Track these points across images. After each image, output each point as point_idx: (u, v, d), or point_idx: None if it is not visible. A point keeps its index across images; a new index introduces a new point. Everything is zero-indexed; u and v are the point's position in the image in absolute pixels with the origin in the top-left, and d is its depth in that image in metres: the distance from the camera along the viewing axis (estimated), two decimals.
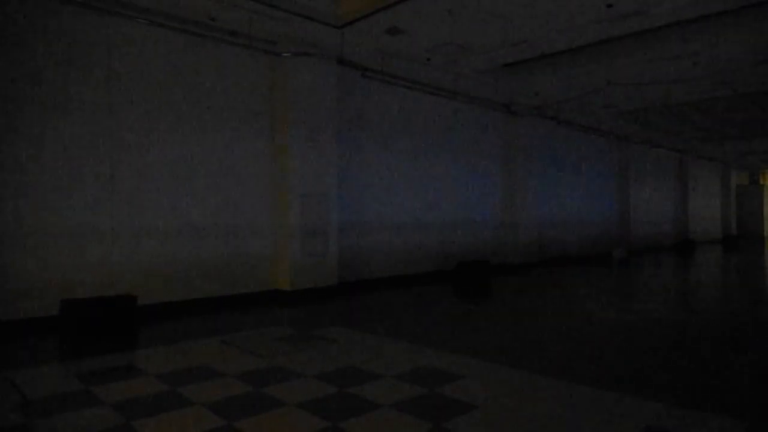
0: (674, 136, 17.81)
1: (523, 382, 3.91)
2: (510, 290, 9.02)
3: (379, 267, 9.02)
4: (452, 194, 10.45)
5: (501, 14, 6.91)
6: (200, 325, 5.95)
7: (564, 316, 6.57)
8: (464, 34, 7.66)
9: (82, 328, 5.34)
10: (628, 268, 12.58)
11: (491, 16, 6.95)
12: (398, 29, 7.39)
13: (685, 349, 5.04)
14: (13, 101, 5.41)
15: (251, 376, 3.96)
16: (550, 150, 12.90)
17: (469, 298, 8.35)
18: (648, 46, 8.27)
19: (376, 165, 8.99)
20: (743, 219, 26.24)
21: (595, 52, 8.83)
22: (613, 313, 6.62)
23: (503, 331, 5.85)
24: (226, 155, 7.05)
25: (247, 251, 7.24)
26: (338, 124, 8.10)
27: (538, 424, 3.12)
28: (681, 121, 14.98)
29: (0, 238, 5.33)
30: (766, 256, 17.30)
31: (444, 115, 10.25)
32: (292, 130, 7.42)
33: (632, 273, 11.71)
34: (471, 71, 9.51)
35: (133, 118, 6.24)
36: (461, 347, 4.92)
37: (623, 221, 16.05)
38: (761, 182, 28.08)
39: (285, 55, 7.40)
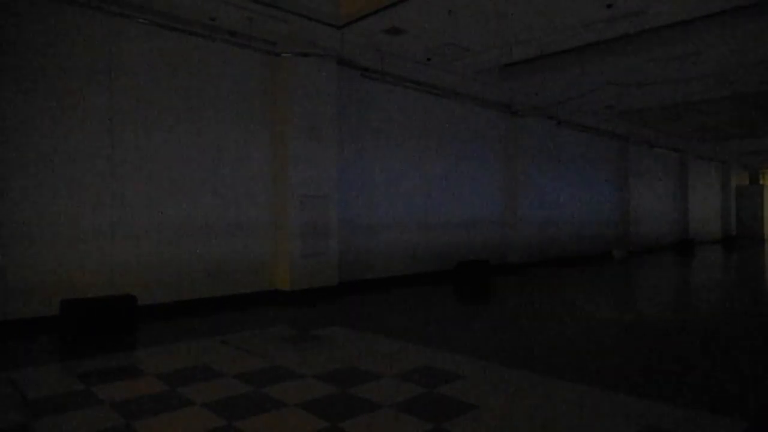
0: (674, 136, 17.82)
1: (523, 382, 3.91)
2: (510, 290, 9.02)
3: (379, 267, 9.02)
4: (452, 194, 10.44)
5: (501, 14, 6.91)
6: (200, 325, 5.95)
7: (564, 316, 6.57)
8: (464, 34, 7.67)
9: (82, 328, 5.34)
10: (628, 267, 12.58)
11: (491, 16, 6.96)
12: (398, 29, 7.39)
13: (685, 349, 5.03)
14: (12, 101, 5.41)
15: (251, 376, 3.96)
16: (550, 150, 12.89)
17: (469, 298, 8.35)
18: (648, 46, 8.27)
19: (376, 165, 8.99)
20: (743, 219, 26.23)
21: (595, 52, 8.83)
22: (613, 313, 6.62)
23: (503, 331, 5.85)
24: (226, 155, 7.05)
25: (247, 251, 7.24)
26: (338, 124, 8.10)
27: (538, 424, 3.12)
28: (681, 121, 14.98)
29: (0, 238, 5.33)
30: (766, 256, 17.29)
31: (444, 115, 10.25)
32: (292, 130, 7.42)
33: (632, 273, 11.71)
34: (471, 71, 9.52)
35: (133, 118, 6.24)
36: (461, 347, 4.92)
37: (623, 221, 16.04)
38: (761, 182, 28.08)
39: (285, 55, 7.40)
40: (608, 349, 5.04)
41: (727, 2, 6.60)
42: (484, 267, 10.33)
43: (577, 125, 13.83)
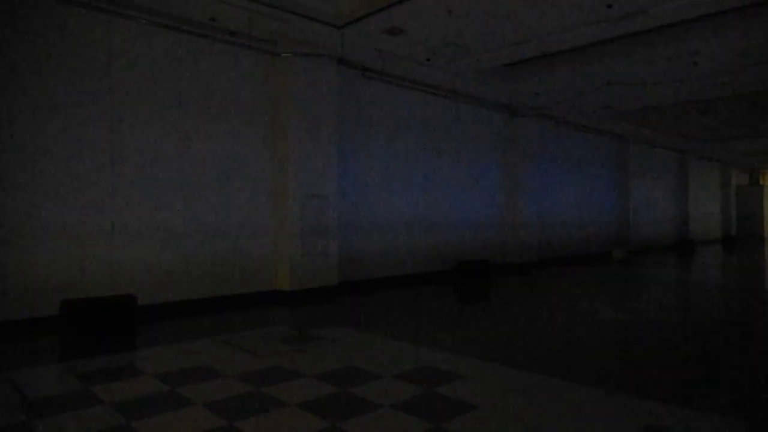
0: (674, 136, 17.82)
1: (523, 382, 3.91)
2: (510, 290, 9.02)
3: (379, 267, 9.02)
4: (452, 194, 10.44)
5: (501, 14, 6.91)
6: (200, 325, 5.95)
7: (564, 316, 6.57)
8: (464, 34, 7.67)
9: (82, 328, 5.34)
10: (628, 268, 12.58)
11: (491, 16, 6.96)
12: (398, 29, 7.39)
13: (685, 349, 5.03)
14: (12, 101, 5.41)
15: (251, 376, 3.96)
16: (550, 150, 12.90)
17: (469, 298, 8.36)
18: (648, 46, 8.27)
19: (376, 165, 8.99)
20: (743, 219, 26.23)
21: (595, 52, 8.84)
22: (613, 313, 6.62)
23: (503, 331, 5.85)
24: (225, 155, 7.05)
25: (247, 251, 7.24)
26: (338, 124, 8.10)
27: (538, 424, 3.12)
28: (681, 121, 14.99)
29: (0, 238, 5.33)
30: (766, 256, 17.30)
31: (444, 115, 10.25)
32: (292, 130, 7.42)
33: (632, 273, 11.71)
34: (471, 71, 9.51)
35: (133, 118, 6.24)
36: (461, 347, 4.92)
37: (623, 221, 16.04)
38: (761, 182, 28.08)
39: (285, 55, 7.40)
40: (608, 349, 5.04)
41: (727, 2, 6.59)
42: (484, 267, 10.33)
43: (577, 125, 13.84)
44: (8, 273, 5.37)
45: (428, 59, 8.76)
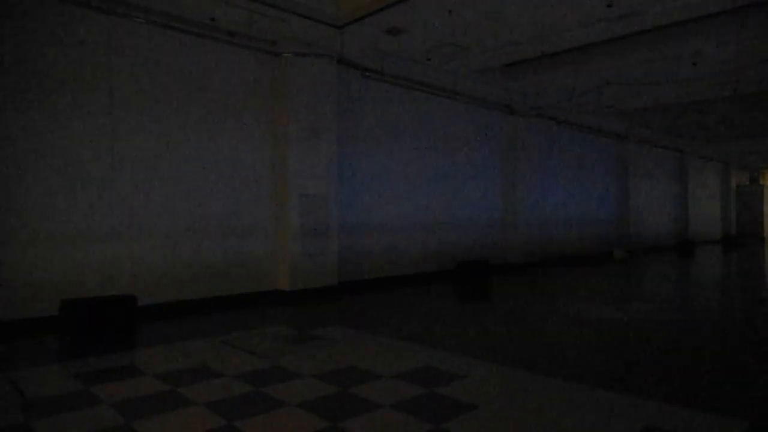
0: (674, 136, 17.82)
1: (523, 382, 3.91)
2: (510, 290, 9.02)
3: (379, 267, 9.02)
4: (452, 194, 10.44)
5: (501, 14, 6.91)
6: (200, 325, 5.95)
7: (564, 315, 6.57)
8: (464, 34, 7.67)
9: (82, 328, 5.34)
10: (628, 268, 12.58)
11: (491, 16, 6.96)
12: (398, 29, 7.39)
13: (685, 349, 5.03)
14: (12, 101, 5.41)
15: (251, 376, 3.96)
16: (550, 150, 12.89)
17: (469, 298, 8.36)
18: (648, 46, 8.27)
19: (376, 165, 8.99)
20: (743, 219, 26.23)
21: (595, 52, 8.84)
22: (613, 313, 6.62)
23: (503, 331, 5.85)
24: (225, 155, 7.05)
25: (247, 251, 7.24)
26: (338, 124, 8.09)
27: (537, 424, 3.12)
28: (681, 121, 14.99)
29: (0, 239, 5.33)
30: (766, 256, 17.30)
31: (444, 115, 10.25)
32: (292, 130, 7.43)
33: (632, 273, 11.72)
34: (471, 71, 9.52)
35: (133, 119, 6.24)
36: (461, 347, 4.92)
37: (623, 221, 16.04)
38: (761, 182, 28.08)
39: (285, 55, 7.40)
40: (608, 348, 5.04)
41: (727, 2, 6.60)
42: (484, 267, 10.33)
43: (577, 125, 13.84)
44: (8, 273, 5.37)
45: (428, 59, 8.76)
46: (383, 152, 9.12)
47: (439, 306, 7.57)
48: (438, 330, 5.86)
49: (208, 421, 3.11)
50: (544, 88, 10.79)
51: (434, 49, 8.23)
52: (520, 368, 4.22)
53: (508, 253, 11.76)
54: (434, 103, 10.01)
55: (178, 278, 6.58)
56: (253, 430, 3.00)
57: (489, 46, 8.18)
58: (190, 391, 3.63)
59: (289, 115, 7.40)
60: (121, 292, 6.03)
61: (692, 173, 20.62)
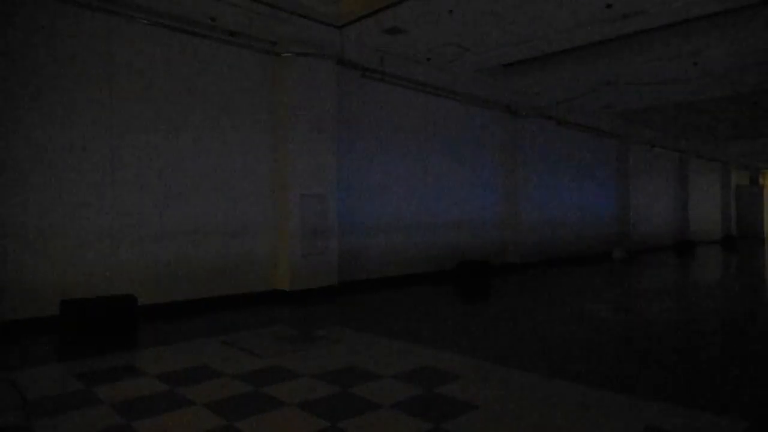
0: (674, 136, 17.82)
1: (523, 382, 3.91)
2: (510, 290, 9.02)
3: (380, 267, 9.02)
4: (452, 194, 10.45)
5: (501, 14, 6.91)
6: (200, 325, 5.95)
7: (564, 316, 6.57)
8: (464, 34, 7.67)
9: (82, 328, 5.34)
10: (628, 268, 12.58)
11: (491, 16, 6.96)
12: (398, 29, 7.39)
13: (685, 349, 5.03)
14: (12, 101, 5.41)
15: (251, 376, 3.96)
16: (550, 150, 12.89)
17: (469, 298, 8.35)
18: (648, 46, 8.28)
19: (376, 165, 8.99)
20: (743, 219, 26.23)
21: (595, 52, 8.84)
22: (613, 313, 6.62)
23: (503, 331, 5.85)
24: (225, 155, 7.05)
25: (247, 251, 7.24)
26: (338, 123, 8.10)
27: (537, 424, 3.12)
28: (681, 121, 14.99)
29: (0, 238, 5.33)
30: (766, 256, 17.30)
31: (444, 115, 10.25)
32: (292, 130, 7.43)
33: (632, 273, 11.72)
34: (471, 71, 9.52)
35: (133, 119, 6.24)
36: (461, 347, 4.92)
37: (623, 221, 16.04)
38: (761, 182, 28.07)
39: (285, 55, 7.40)
40: (608, 349, 5.04)
41: (727, 2, 6.60)
42: (485, 267, 10.33)
43: (577, 125, 13.83)
44: (8, 273, 5.37)
45: (428, 59, 8.76)
46: (383, 152, 9.12)
47: (439, 306, 7.56)
48: (438, 330, 5.86)
49: (208, 421, 3.11)
50: (544, 88, 10.79)
51: (434, 49, 8.24)
52: (521, 368, 4.22)
53: (508, 253, 11.77)
54: (434, 103, 10.01)
55: (178, 278, 6.58)
56: (253, 430, 3.00)
57: (489, 46, 8.18)
58: (190, 391, 3.63)
59: (289, 115, 7.40)
60: (121, 292, 6.03)
61: (692, 173, 20.61)
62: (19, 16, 5.46)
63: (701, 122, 15.18)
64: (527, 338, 5.45)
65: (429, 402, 3.46)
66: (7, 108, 5.38)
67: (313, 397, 3.51)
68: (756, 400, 3.58)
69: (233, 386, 3.75)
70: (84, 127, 5.87)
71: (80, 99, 5.84)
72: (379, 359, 4.50)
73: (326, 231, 7.77)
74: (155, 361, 4.48)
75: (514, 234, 11.75)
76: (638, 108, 12.88)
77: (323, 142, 7.73)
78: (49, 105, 5.63)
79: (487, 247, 11.23)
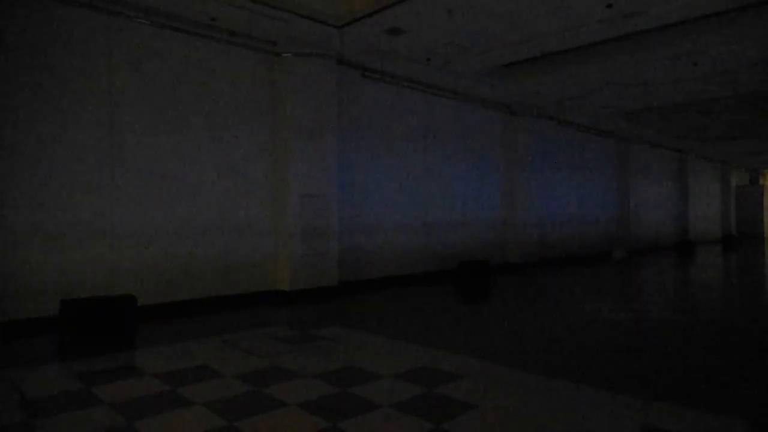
0: (674, 136, 17.82)
1: (523, 382, 3.91)
2: (510, 290, 9.02)
3: (380, 267, 9.02)
4: (452, 194, 10.45)
5: (501, 14, 6.91)
6: (200, 325, 5.95)
7: (564, 316, 6.57)
8: (464, 34, 7.67)
9: (82, 328, 5.34)
10: (628, 268, 12.57)
11: (491, 16, 6.96)
12: (398, 29, 7.39)
13: (684, 349, 5.03)
14: (13, 101, 5.41)
15: (251, 376, 3.96)
16: (550, 150, 12.90)
17: (469, 298, 8.35)
18: (648, 46, 8.27)
19: (376, 165, 8.99)
20: (743, 219, 26.23)
21: (595, 52, 8.84)
22: (612, 313, 6.62)
23: (503, 331, 5.85)
24: (225, 155, 7.05)
25: (247, 251, 7.24)
26: (338, 124, 8.09)
27: (537, 424, 3.12)
28: (681, 121, 14.98)
29: (0, 239, 5.33)
30: (766, 256, 17.30)
31: (444, 115, 10.25)
32: (292, 130, 7.42)
33: (632, 273, 11.71)
34: (471, 71, 9.52)
35: (133, 119, 6.24)
36: (461, 347, 4.92)
37: (623, 221, 16.04)
38: (761, 182, 28.07)
39: (285, 55, 7.40)
40: (608, 349, 5.04)
41: (727, 2, 6.60)
42: (485, 267, 10.33)
43: (577, 125, 13.83)
44: (8, 273, 5.37)
45: (428, 59, 8.76)
46: (383, 152, 9.12)
47: (439, 306, 7.56)
48: (438, 330, 5.85)
49: (208, 421, 3.11)
50: (544, 88, 10.79)
51: (434, 49, 8.23)
52: (521, 368, 4.22)
53: (508, 253, 11.76)
54: (434, 103, 10.01)
55: (178, 278, 6.58)
56: (253, 430, 3.00)
57: (489, 46, 8.18)
58: (190, 391, 3.63)
59: (289, 115, 7.40)
60: (121, 292, 6.03)
61: (692, 173, 20.61)
62: (19, 16, 5.46)
63: (701, 122, 15.18)
64: (527, 338, 5.45)
65: (429, 402, 3.46)
66: (7, 108, 5.38)
67: (313, 397, 3.51)
68: (756, 400, 3.58)
69: (233, 386, 3.75)
70: (83, 128, 5.87)
71: (80, 99, 5.84)
72: (379, 359, 4.50)
73: (326, 231, 7.77)
74: (155, 361, 4.48)
75: (514, 234, 11.75)
76: (638, 108, 12.87)
77: (323, 142, 7.72)
78: (49, 105, 5.63)
79: (487, 247, 11.23)
